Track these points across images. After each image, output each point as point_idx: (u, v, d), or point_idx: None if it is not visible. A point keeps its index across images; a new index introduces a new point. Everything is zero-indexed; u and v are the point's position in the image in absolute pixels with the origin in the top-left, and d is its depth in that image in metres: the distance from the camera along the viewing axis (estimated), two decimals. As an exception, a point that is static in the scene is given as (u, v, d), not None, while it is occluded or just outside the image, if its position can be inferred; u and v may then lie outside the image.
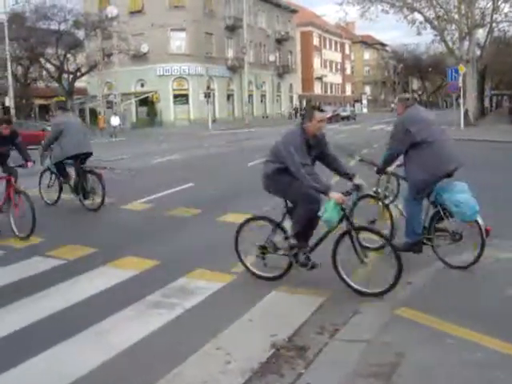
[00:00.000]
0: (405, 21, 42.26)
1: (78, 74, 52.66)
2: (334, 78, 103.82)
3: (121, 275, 6.97)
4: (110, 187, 11.57)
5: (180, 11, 56.63)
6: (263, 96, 74.28)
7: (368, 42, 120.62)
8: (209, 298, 6.08)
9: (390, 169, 7.44)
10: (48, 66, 52.60)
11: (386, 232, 7.11)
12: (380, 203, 7.57)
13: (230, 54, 65.64)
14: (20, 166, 9.78)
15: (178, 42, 59.05)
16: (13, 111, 45.55)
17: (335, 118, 62.26)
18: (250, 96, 66.74)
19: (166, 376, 4.33)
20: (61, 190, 12.33)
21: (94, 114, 54.53)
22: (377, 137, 31.05)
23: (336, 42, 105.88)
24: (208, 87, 53.72)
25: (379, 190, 7.69)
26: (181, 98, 59.36)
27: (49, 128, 18.95)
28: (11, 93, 46.27)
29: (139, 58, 56.89)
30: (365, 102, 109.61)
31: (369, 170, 7.58)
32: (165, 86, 57.87)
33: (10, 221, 9.29)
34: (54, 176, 12.45)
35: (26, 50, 51.01)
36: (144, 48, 57.39)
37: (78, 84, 55.33)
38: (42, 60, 52.11)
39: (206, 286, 6.39)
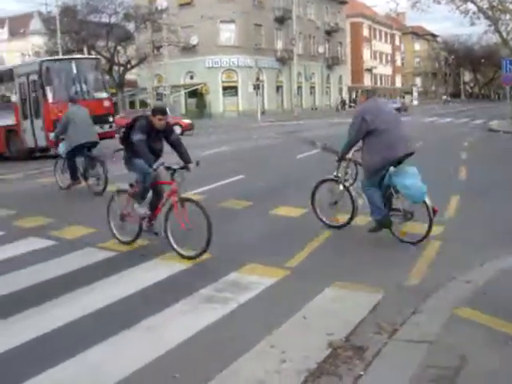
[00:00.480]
0: (457, 11, 41.25)
1: (129, 66, 53.18)
2: (384, 70, 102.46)
3: (173, 268, 6.93)
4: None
5: (229, 3, 56.57)
6: (312, 88, 73.84)
7: (419, 33, 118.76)
8: (262, 293, 5.96)
9: (349, 155, 8.28)
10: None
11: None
12: (341, 186, 8.42)
13: (279, 45, 65.36)
14: (183, 168, 7.71)
15: (228, 33, 59.11)
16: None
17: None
18: (299, 88, 66.43)
19: (220, 373, 4.23)
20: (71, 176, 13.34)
21: (144, 106, 54.99)
22: (429, 129, 30.58)
23: (386, 33, 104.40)
24: (257, 79, 53.66)
25: (339, 175, 8.45)
26: (230, 89, 59.46)
27: None
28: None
29: (189, 50, 57.13)
30: (415, 93, 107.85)
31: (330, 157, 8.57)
32: (214, 77, 58.01)
33: (168, 237, 7.55)
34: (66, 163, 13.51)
35: (77, 43, 51.73)
36: (193, 40, 57.62)
37: (129, 76, 55.93)
38: (93, 52, 52.73)
39: (259, 281, 6.27)
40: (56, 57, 32.52)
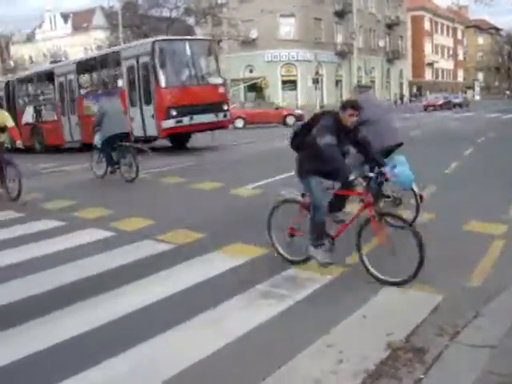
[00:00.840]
0: (523, 4, 40.01)
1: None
2: (446, 64, 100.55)
3: (229, 262, 6.89)
4: (220, 171, 11.68)
5: (289, -4, 56.36)
6: (372, 82, 72.95)
7: (482, 27, 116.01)
8: (320, 290, 5.86)
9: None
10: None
11: None
12: None
13: (339, 39, 64.84)
14: (379, 175, 6.26)
15: (287, 27, 58.94)
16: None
17: (447, 105, 60.15)
18: (359, 82, 65.70)
19: (276, 371, 4.16)
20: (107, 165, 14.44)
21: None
22: (492, 125, 29.81)
23: (448, 27, 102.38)
24: (316, 73, 53.38)
25: None
26: (289, 83, 59.33)
27: None
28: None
29: (248, 44, 57.21)
30: (477, 88, 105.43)
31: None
32: (273, 71, 57.95)
33: (363, 259, 6.21)
34: (101, 153, 14.59)
35: (138, 37, 52.36)
36: (253, 34, 57.66)
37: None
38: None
39: (317, 278, 6.17)
40: (169, 36, 29.49)
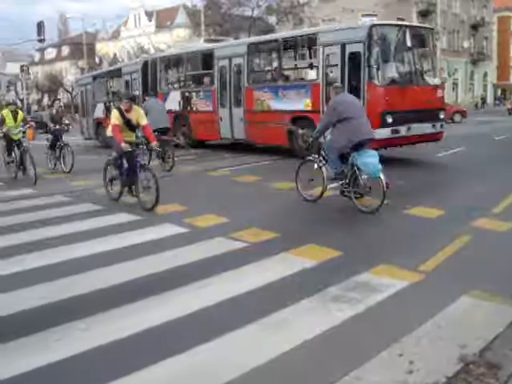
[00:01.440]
0: None
1: (269, 58, 53.69)
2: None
3: (301, 263, 6.84)
4: (287, 174, 11.57)
5: (372, -5, 55.57)
6: (455, 84, 71.26)
7: None
8: (393, 296, 5.72)
9: (322, 140, 10.43)
10: (241, 50, 54.12)
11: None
12: (315, 165, 10.43)
13: (422, 40, 63.47)
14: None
15: (369, 27, 58.10)
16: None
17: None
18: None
19: (343, 378, 4.09)
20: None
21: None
22: None
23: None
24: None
25: (315, 156, 10.52)
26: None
27: None
28: (205, 76, 48.24)
29: (329, 43, 56.78)
30: None
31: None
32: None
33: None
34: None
35: (220, 36, 52.90)
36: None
37: (268, 68, 56.49)
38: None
39: (390, 284, 6.04)
40: (385, 21, 18.57)
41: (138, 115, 10.97)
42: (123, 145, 10.24)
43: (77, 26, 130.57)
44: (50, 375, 4.32)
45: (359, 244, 7.84)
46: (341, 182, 10.00)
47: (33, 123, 18.70)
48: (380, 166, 9.19)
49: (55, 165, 16.98)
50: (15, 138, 15.23)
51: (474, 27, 74.06)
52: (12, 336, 4.97)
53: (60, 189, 13.25)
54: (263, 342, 4.75)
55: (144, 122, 10.93)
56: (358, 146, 9.48)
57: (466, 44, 71.20)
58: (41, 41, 40.21)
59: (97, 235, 8.52)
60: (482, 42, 76.65)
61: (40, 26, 36.68)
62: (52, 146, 17.07)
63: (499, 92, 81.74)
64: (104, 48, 79.97)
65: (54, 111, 17.52)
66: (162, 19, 78.06)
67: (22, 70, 57.20)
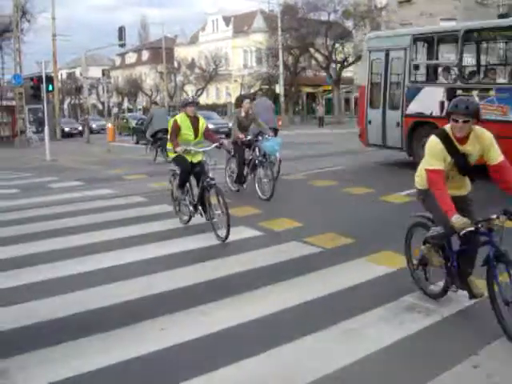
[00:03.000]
0: None
1: (346, 63, 53.36)
2: None
3: (376, 271, 6.77)
4: (364, 179, 11.59)
5: (451, -1, 54.47)
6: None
7: None
8: (469, 307, 5.58)
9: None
10: (317, 55, 54.05)
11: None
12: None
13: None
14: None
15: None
16: (282, 98, 47.64)
17: None
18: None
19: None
20: (156, 152, 20.58)
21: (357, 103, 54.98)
22: None
23: None
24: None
25: None
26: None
27: None
28: (281, 81, 48.42)
29: (406, 47, 55.96)
30: None
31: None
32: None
33: None
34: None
35: (296, 40, 52.94)
36: (412, 38, 56.31)
37: (345, 73, 56.15)
38: (312, 50, 53.63)
39: (466, 294, 5.89)
40: None
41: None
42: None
43: (157, 31, 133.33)
44: (133, 368, 4.45)
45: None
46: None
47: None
48: (278, 147, 12.78)
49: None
50: (194, 160, 9.30)
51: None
52: (113, 325, 5.23)
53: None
54: (335, 350, 4.73)
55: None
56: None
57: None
58: (122, 45, 41.20)
59: (169, 237, 8.71)
60: None
61: (121, 31, 37.59)
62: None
63: None
64: (182, 53, 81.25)
65: (243, 113, 12.79)
66: (240, 24, 78.62)
67: (103, 74, 58.83)
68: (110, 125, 34.55)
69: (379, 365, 4.46)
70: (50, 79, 29.93)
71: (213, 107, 65.68)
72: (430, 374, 4.22)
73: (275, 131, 14.62)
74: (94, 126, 51.28)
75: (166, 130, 17.37)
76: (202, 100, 74.91)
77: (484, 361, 4.42)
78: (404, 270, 6.72)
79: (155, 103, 28.37)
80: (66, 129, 46.51)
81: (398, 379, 4.23)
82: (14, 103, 37.60)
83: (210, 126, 29.25)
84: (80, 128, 46.96)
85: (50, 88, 29.59)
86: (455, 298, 5.76)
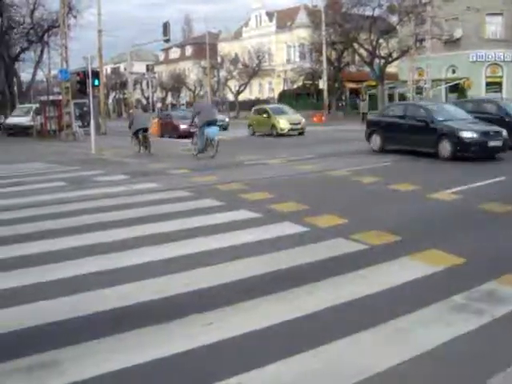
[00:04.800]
0: None
1: (390, 59, 52.88)
2: None
3: (424, 269, 6.64)
4: (410, 175, 11.48)
5: (499, -6, 53.39)
6: None
7: None
8: (522, 308, 5.46)
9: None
10: (361, 50, 53.69)
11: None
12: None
13: (552, 39, 60.32)
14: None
15: (494, 26, 55.88)
16: (325, 94, 47.45)
17: None
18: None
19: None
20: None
21: (403, 99, 54.43)
22: None
23: None
24: (524, 75, 50.14)
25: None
26: (493, 85, 56.33)
27: None
28: (325, 76, 48.21)
29: (452, 43, 55.14)
30: None
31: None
32: (477, 72, 55.32)
33: None
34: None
35: (340, 35, 52.68)
36: (457, 33, 55.45)
37: (389, 69, 55.65)
38: (356, 45, 53.31)
39: (517, 294, 5.78)
40: None
41: None
42: None
43: (200, 27, 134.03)
44: (182, 362, 4.45)
45: (484, 250, 7.53)
46: None
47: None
48: (217, 132, 20.79)
49: None
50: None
51: None
52: (162, 319, 5.26)
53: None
54: (383, 349, 4.65)
55: None
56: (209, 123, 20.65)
57: None
58: (166, 41, 41.50)
59: (214, 231, 8.69)
60: None
61: (165, 27, 37.85)
62: None
63: None
64: (226, 48, 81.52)
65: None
66: (283, 19, 78.53)
67: (147, 69, 59.41)
68: (154, 120, 34.82)
69: (427, 366, 4.37)
70: (96, 74, 30.26)
71: (255, 102, 65.71)
72: (479, 378, 4.13)
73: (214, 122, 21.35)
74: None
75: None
76: (245, 95, 75.11)
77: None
78: (452, 269, 6.64)
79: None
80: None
81: (445, 381, 4.15)
82: (60, 98, 38.20)
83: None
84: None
85: (96, 83, 29.92)
86: (506, 299, 5.65)
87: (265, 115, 35.06)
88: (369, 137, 21.20)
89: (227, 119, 43.36)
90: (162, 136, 29.92)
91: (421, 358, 4.46)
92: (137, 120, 24.30)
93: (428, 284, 6.25)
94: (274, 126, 33.82)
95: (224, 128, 38.57)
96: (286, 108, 38.34)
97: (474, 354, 4.55)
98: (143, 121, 24.69)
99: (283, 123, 33.60)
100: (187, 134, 28.07)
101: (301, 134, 33.91)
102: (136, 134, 23.88)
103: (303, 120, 35.25)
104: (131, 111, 31.06)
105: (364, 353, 4.58)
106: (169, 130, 34.49)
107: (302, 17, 72.85)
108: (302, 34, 65.66)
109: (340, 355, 4.54)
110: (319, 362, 4.40)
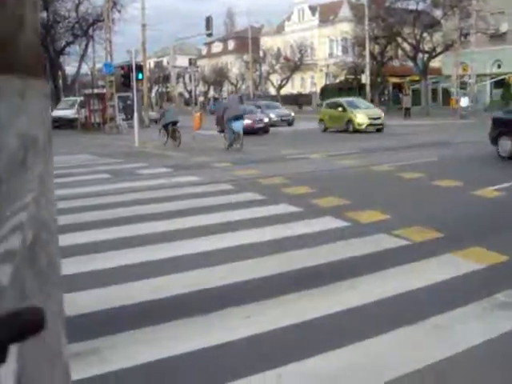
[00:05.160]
0: None
1: (434, 53, 52.23)
2: None
3: (466, 266, 6.58)
4: (453, 172, 11.29)
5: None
6: None
7: None
8: None
9: None
10: (404, 45, 53.15)
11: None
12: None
13: None
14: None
15: (540, 20, 54.68)
16: (368, 88, 47.13)
17: None
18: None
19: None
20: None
21: (446, 94, 53.76)
22: None
23: None
24: None
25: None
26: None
27: None
28: (367, 71, 47.86)
29: (497, 37, 54.17)
30: None
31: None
32: (523, 67, 54.28)
33: None
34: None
35: (383, 30, 52.22)
36: (503, 27, 54.44)
37: (433, 64, 54.97)
38: (399, 39, 52.80)
39: None
40: None
41: None
42: None
43: (242, 21, 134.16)
44: (217, 355, 4.49)
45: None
46: None
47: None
48: (242, 125, 22.33)
49: None
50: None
51: None
52: (198, 311, 5.29)
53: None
54: (423, 345, 4.62)
55: None
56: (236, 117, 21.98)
57: None
58: (209, 35, 41.71)
59: (255, 225, 8.74)
60: None
61: (208, 21, 38.04)
62: None
63: None
64: (268, 42, 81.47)
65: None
66: (326, 13, 78.12)
67: (190, 63, 59.62)
68: (196, 113, 35.05)
69: (468, 364, 4.33)
70: (139, 68, 30.63)
71: (297, 97, 65.64)
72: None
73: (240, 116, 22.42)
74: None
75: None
76: (287, 89, 75.00)
77: None
78: (494, 267, 6.57)
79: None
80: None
81: (487, 379, 4.12)
82: (104, 91, 38.75)
83: (272, 116, 35.94)
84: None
85: (140, 76, 30.29)
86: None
87: (339, 109, 32.57)
88: (495, 139, 16.96)
89: (292, 114, 41.97)
90: (221, 131, 29.22)
91: (461, 356, 4.41)
92: (168, 113, 25.25)
93: (470, 281, 6.19)
94: (350, 121, 31.41)
95: (289, 123, 38.10)
96: (362, 101, 36.51)
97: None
98: (173, 115, 25.48)
99: (361, 118, 31.25)
100: (250, 131, 27.95)
101: (379, 130, 31.52)
102: (166, 126, 24.96)
103: (383, 114, 33.03)
104: (163, 105, 31.36)
105: (404, 349, 4.56)
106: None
107: (344, 11, 72.39)
108: (344, 28, 65.23)
109: (380, 350, 4.53)
110: (359, 357, 4.40)
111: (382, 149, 20.42)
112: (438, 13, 52.38)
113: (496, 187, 11.58)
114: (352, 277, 6.22)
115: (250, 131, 27.62)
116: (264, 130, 31.87)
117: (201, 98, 77.86)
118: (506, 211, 9.68)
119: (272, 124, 34.27)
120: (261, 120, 32.31)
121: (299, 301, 5.60)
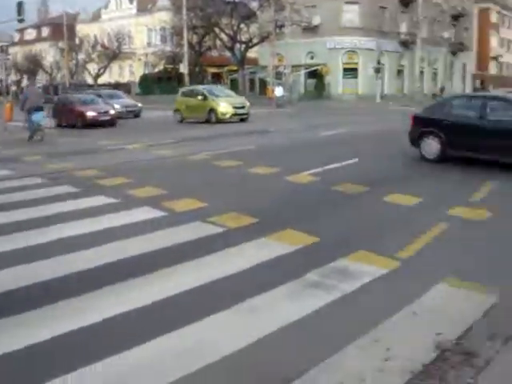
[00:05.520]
0: None
1: (250, 44, 53.53)
2: (511, 58, 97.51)
3: (278, 249, 6.80)
4: (270, 159, 11.64)
5: (355, -17, 55.42)
6: (434, 74, 71.41)
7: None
8: (370, 283, 5.71)
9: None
10: (222, 35, 53.94)
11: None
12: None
13: (403, 28, 63.48)
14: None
15: (351, 14, 57.94)
16: (187, 78, 47.26)
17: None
18: (421, 73, 64.18)
19: (319, 364, 4.07)
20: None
21: (263, 84, 55.31)
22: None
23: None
24: (378, 62, 52.49)
25: None
26: (350, 71, 58.51)
27: None
28: (186, 60, 47.99)
29: (310, 30, 56.65)
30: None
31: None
32: (334, 59, 57.27)
33: None
34: None
35: (201, 20, 52.62)
36: (316, 20, 57.02)
37: (250, 54, 56.31)
38: (217, 29, 53.49)
39: (367, 271, 6.01)
40: None
41: None
42: None
43: (57, 8, 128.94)
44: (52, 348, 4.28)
45: (337, 230, 7.84)
46: None
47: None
48: (43, 118, 22.16)
49: None
50: None
51: (455, 17, 74.09)
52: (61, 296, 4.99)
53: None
54: (237, 330, 4.72)
55: None
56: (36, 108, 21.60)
57: (446, 34, 71.21)
58: (20, 21, 39.53)
59: (72, 218, 8.43)
60: (462, 32, 76.69)
61: (20, 6, 36.05)
62: None
63: (478, 83, 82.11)
64: (84, 29, 79.04)
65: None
66: (143, 2, 77.21)
67: (1, 50, 56.27)
68: (7, 104, 32.99)
69: (283, 341, 4.49)
70: None
71: (116, 86, 64.33)
72: (332, 348, 4.29)
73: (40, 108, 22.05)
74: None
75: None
76: (105, 78, 73.35)
77: (384, 334, 4.52)
78: (307, 248, 6.83)
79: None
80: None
81: (302, 354, 4.28)
82: None
83: (117, 107, 30.89)
84: None
85: None
86: (357, 276, 5.88)
87: (199, 97, 29.28)
88: (418, 140, 14.42)
89: (139, 104, 36.11)
90: (59, 125, 26.77)
91: (275, 335, 4.57)
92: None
93: (284, 263, 6.41)
94: (212, 110, 28.43)
95: (136, 115, 34.35)
96: (221, 89, 33.98)
97: (326, 327, 4.75)
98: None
99: (225, 107, 28.45)
100: (96, 123, 26.54)
101: (243, 120, 29.04)
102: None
103: (248, 103, 30.15)
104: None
105: (215, 337, 4.59)
106: (69, 117, 28.28)
107: (163, 0, 72.02)
108: (163, 17, 64.88)
109: (195, 338, 4.54)
110: (170, 348, 4.39)
111: (200, 138, 20.56)
112: (254, 4, 53.73)
113: (310, 172, 12.07)
114: (166, 267, 6.17)
115: (95, 124, 26.36)
116: (110, 123, 27.67)
117: (13, 88, 73.83)
118: (317, 195, 10.10)
119: (118, 116, 29.82)
120: (106, 112, 28.22)
121: (113, 295, 5.47)
